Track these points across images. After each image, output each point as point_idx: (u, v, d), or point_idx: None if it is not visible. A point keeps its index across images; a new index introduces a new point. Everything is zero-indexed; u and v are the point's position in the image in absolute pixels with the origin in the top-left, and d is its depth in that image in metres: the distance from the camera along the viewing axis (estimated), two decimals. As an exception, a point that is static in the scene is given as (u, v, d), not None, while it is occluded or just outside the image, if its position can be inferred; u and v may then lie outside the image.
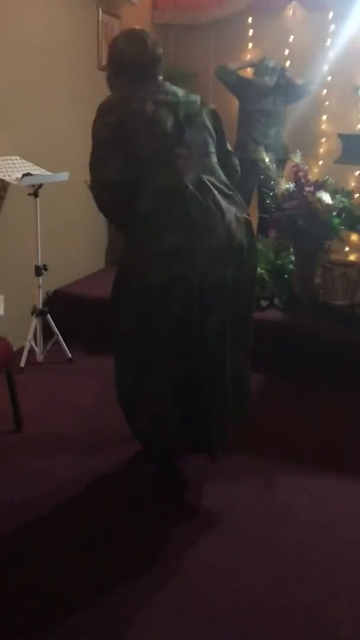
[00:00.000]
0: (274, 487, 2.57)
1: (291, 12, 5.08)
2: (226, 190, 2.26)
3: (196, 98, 2.36)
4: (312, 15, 5.00)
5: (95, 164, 2.27)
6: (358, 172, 5.00)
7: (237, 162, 2.49)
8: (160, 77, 2.32)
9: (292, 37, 5.11)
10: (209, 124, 2.33)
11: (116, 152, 2.18)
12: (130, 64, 2.26)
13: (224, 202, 2.21)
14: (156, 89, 2.28)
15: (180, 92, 2.33)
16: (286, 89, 4.84)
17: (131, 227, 2.29)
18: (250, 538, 2.25)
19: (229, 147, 2.50)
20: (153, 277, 2.18)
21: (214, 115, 2.38)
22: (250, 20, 5.20)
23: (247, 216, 2.31)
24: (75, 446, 2.84)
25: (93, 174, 2.28)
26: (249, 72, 5.00)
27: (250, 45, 5.24)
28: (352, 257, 4.82)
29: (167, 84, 2.33)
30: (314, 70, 5.03)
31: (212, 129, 2.34)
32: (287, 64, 5.09)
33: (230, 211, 2.22)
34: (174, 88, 2.32)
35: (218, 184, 2.24)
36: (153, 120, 2.19)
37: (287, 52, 5.14)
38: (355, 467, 2.74)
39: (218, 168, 2.32)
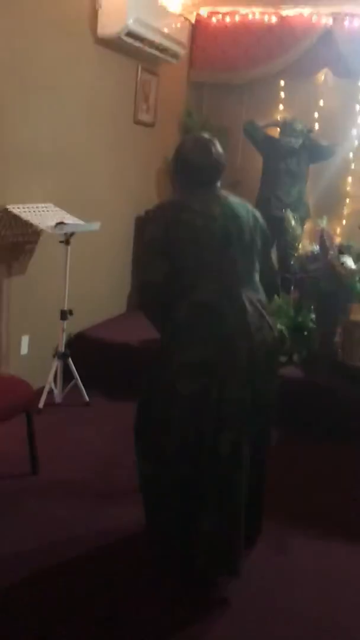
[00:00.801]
0: (284, 551, 2.57)
1: (322, 77, 5.26)
2: (262, 311, 2.28)
3: (250, 211, 2.34)
4: (342, 82, 5.18)
5: (144, 266, 2.38)
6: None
7: (279, 282, 2.50)
8: (219, 185, 2.33)
9: (322, 101, 5.28)
10: (257, 240, 2.33)
11: (162, 257, 2.22)
12: (192, 169, 2.29)
13: (255, 324, 2.22)
14: (212, 196, 2.29)
15: (234, 203, 2.31)
16: (311, 150, 4.98)
17: (164, 333, 2.33)
18: (259, 604, 2.25)
19: (273, 266, 2.52)
20: (181, 388, 2.21)
21: (264, 233, 2.38)
22: (282, 83, 5.39)
23: (274, 339, 2.33)
24: (91, 494, 2.87)
25: (141, 274, 2.39)
26: (275, 131, 5.15)
27: (281, 106, 5.42)
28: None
29: (224, 193, 2.33)
30: (342, 133, 5.18)
31: (259, 246, 2.34)
32: (316, 126, 5.25)
33: (261, 333, 2.23)
34: (230, 199, 2.32)
35: (256, 304, 2.26)
36: (200, 233, 2.19)
37: (316, 115, 5.30)
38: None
39: (259, 287, 2.34)
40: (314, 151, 4.99)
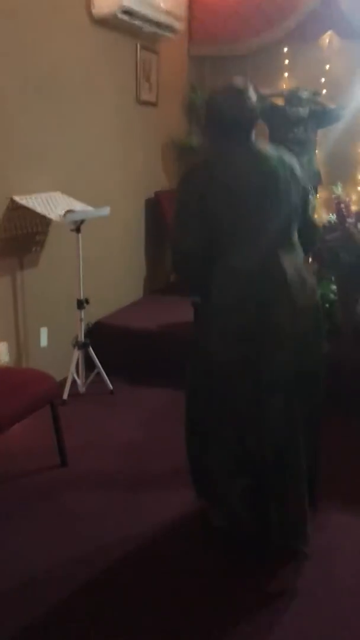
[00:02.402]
0: (321, 528, 2.52)
1: (327, 40, 5.10)
2: (302, 272, 2.18)
3: (287, 164, 2.18)
4: (347, 44, 5.01)
5: (176, 229, 2.22)
6: None
7: (319, 235, 2.40)
8: (253, 136, 2.18)
9: (328, 65, 5.12)
10: (295, 197, 2.19)
11: (197, 222, 2.12)
12: (225, 120, 2.13)
13: (294, 287, 2.12)
14: (246, 150, 2.15)
15: (270, 157, 2.16)
16: (318, 115, 4.83)
17: (202, 298, 2.27)
18: (301, 585, 2.21)
19: (315, 221, 2.40)
20: (219, 356, 2.17)
21: (302, 186, 2.23)
22: (285, 49, 5.23)
23: (317, 302, 2.24)
24: (123, 483, 2.83)
25: (173, 238, 2.26)
26: (280, 101, 5.01)
27: (286, 74, 5.27)
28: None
29: (259, 145, 2.19)
30: (351, 97, 5.03)
31: (297, 203, 2.20)
32: (324, 92, 5.10)
33: (300, 297, 2.13)
34: (266, 151, 2.17)
35: (296, 265, 2.16)
36: (235, 192, 2.08)
37: (323, 80, 5.15)
38: None
39: (299, 247, 2.23)
40: (322, 116, 4.83)
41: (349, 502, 2.69)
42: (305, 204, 2.27)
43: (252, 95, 2.12)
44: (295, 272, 2.15)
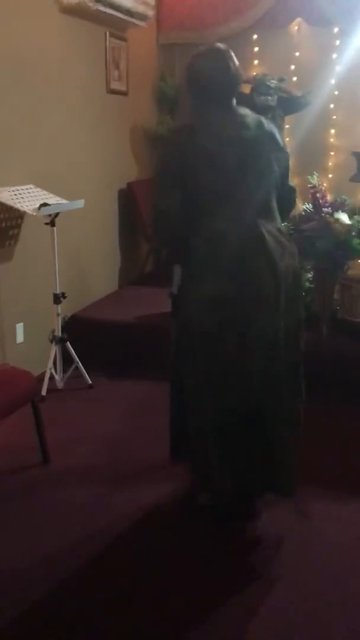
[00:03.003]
0: (304, 515, 2.55)
1: (296, 28, 5.10)
2: (281, 238, 2.22)
3: (266, 129, 2.22)
4: (317, 31, 5.03)
5: (157, 194, 2.22)
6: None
7: (295, 196, 2.43)
8: (234, 102, 2.19)
9: (297, 52, 5.13)
10: (274, 164, 2.22)
11: (177, 185, 2.13)
12: (207, 84, 2.12)
13: (277, 251, 2.16)
14: (228, 115, 2.15)
15: (251, 122, 2.19)
16: (285, 102, 4.80)
17: (183, 266, 2.28)
18: (285, 570, 2.24)
19: (291, 184, 2.42)
20: (202, 321, 2.20)
21: (281, 151, 2.27)
22: (255, 37, 5.22)
23: (297, 266, 2.28)
24: (106, 477, 2.82)
25: (153, 203, 2.25)
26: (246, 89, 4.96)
27: (256, 61, 5.26)
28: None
29: (241, 110, 2.20)
30: (320, 84, 5.05)
31: (276, 168, 2.23)
32: (294, 79, 5.10)
33: (283, 261, 2.17)
34: (247, 117, 2.19)
35: (274, 231, 2.20)
36: (216, 159, 2.10)
37: (293, 67, 5.15)
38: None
39: (277, 215, 2.27)
40: (289, 103, 4.78)
41: (330, 488, 2.73)
42: (286, 168, 2.32)
43: (234, 59, 2.13)
44: (275, 238, 2.19)
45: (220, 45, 2.17)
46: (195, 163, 2.10)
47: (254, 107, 4.64)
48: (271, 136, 2.24)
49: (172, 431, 2.51)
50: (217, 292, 2.16)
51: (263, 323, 2.17)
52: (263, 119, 2.25)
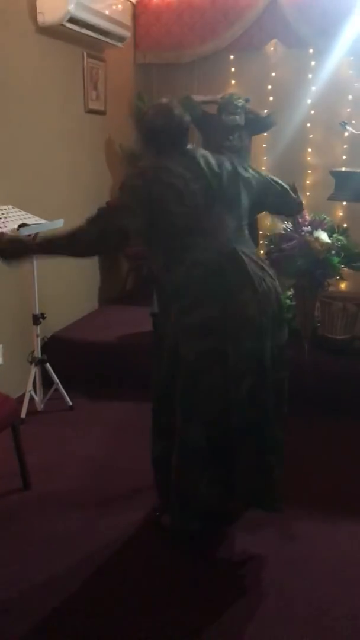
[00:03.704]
0: (290, 537, 2.53)
1: (272, 49, 5.15)
2: (260, 263, 2.28)
3: (227, 166, 2.31)
4: (292, 52, 5.07)
5: (119, 208, 2.29)
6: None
7: (299, 198, 2.56)
8: (190, 146, 2.34)
9: (274, 73, 5.19)
10: (244, 193, 2.31)
11: (141, 209, 2.17)
12: (158, 133, 2.30)
13: (256, 273, 2.21)
14: (186, 158, 2.27)
15: (212, 160, 2.30)
16: (251, 122, 4.78)
17: (162, 296, 2.31)
18: (271, 591, 2.21)
19: (285, 186, 2.52)
20: (186, 351, 2.20)
21: (249, 183, 2.35)
22: (232, 57, 5.27)
23: (279, 290, 2.32)
24: (89, 503, 2.76)
25: (112, 214, 2.32)
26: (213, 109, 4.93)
27: (233, 81, 5.31)
28: (342, 286, 4.87)
29: (200, 152, 2.33)
30: (296, 104, 5.10)
31: (247, 198, 2.32)
32: (270, 99, 5.15)
33: (264, 282, 2.22)
34: (208, 158, 2.30)
35: (252, 256, 2.25)
36: (183, 193, 2.18)
37: (269, 87, 5.21)
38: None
39: (250, 241, 2.34)
40: (255, 123, 4.74)
41: (316, 508, 2.71)
42: (268, 187, 2.42)
43: (179, 108, 2.31)
44: (253, 261, 2.25)
45: (164, 99, 2.36)
46: (165, 197, 2.17)
47: (222, 127, 4.70)
48: (235, 168, 2.32)
49: (159, 473, 2.49)
50: (201, 320, 2.18)
51: (248, 345, 2.18)
52: (224, 158, 2.35)
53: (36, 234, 3.43)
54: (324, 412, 3.51)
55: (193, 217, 2.19)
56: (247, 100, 4.66)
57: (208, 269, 2.17)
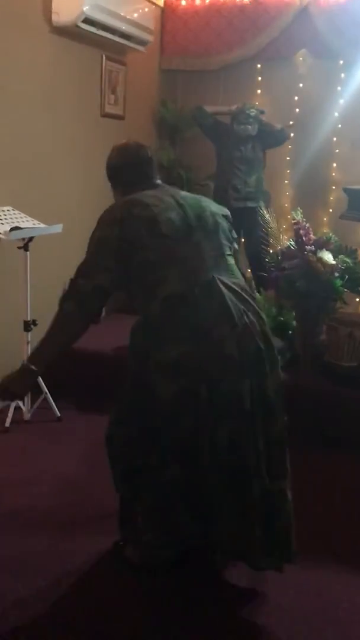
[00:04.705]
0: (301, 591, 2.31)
1: (301, 59, 4.96)
2: (243, 294, 2.09)
3: (207, 202, 2.26)
4: (321, 63, 4.88)
5: (89, 265, 2.14)
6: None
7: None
8: (159, 181, 2.29)
9: (301, 84, 4.99)
10: (224, 224, 2.22)
11: (111, 259, 2.07)
12: (120, 169, 2.29)
13: (237, 307, 2.03)
14: (159, 189, 2.21)
15: (187, 195, 2.24)
16: (265, 134, 4.62)
17: (138, 332, 2.18)
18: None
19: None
20: (160, 390, 2.05)
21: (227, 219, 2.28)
22: (259, 66, 5.10)
23: (263, 320, 2.13)
24: (51, 524, 2.61)
25: (82, 274, 2.15)
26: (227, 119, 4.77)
27: (258, 91, 5.13)
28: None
29: (171, 188, 2.28)
30: (323, 117, 4.91)
31: (227, 230, 2.22)
32: (297, 110, 4.97)
33: (244, 317, 2.03)
34: (182, 192, 2.24)
35: (233, 287, 2.08)
36: (157, 223, 2.06)
37: (296, 98, 5.01)
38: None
39: (236, 270, 2.19)
40: (268, 136, 4.61)
41: (329, 555, 2.48)
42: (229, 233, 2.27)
43: (137, 144, 2.33)
44: (235, 294, 2.07)
45: (124, 142, 2.38)
46: (137, 232, 2.05)
47: (234, 136, 4.54)
48: (210, 208, 2.22)
49: (125, 514, 2.37)
50: (177, 358, 2.00)
51: (225, 387, 2.00)
52: (201, 197, 2.29)
53: (30, 238, 3.33)
54: (328, 443, 3.29)
55: (169, 247, 2.06)
56: (261, 112, 4.53)
57: (183, 303, 2.01)
